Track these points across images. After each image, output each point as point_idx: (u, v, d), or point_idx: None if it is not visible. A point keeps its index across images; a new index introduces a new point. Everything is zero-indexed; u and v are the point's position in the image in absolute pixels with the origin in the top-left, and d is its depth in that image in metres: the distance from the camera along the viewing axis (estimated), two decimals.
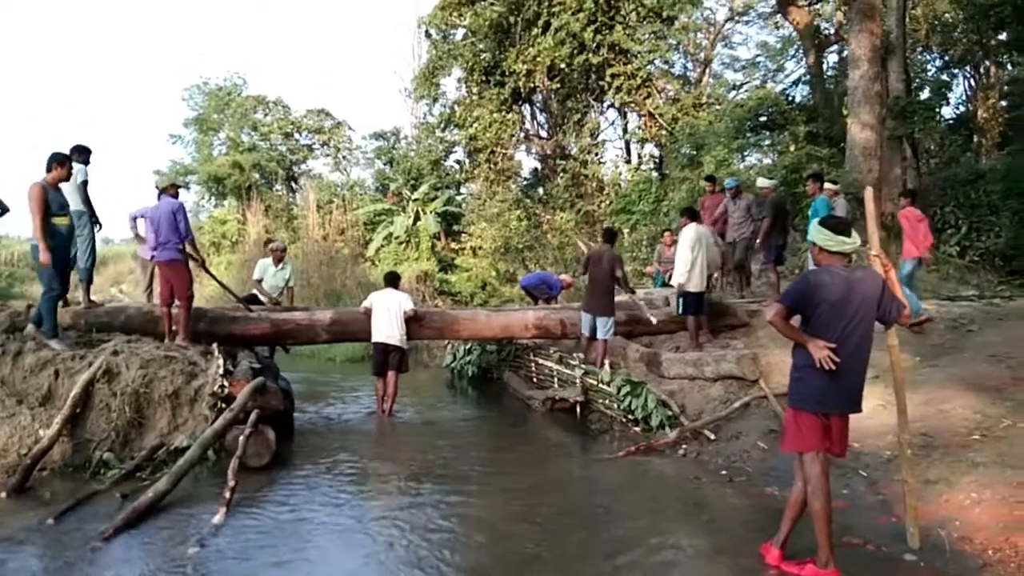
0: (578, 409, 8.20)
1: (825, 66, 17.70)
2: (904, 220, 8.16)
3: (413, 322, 8.54)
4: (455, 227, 20.49)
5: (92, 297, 8.07)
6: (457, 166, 22.41)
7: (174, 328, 7.40)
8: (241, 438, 5.62)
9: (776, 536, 3.97)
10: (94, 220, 7.66)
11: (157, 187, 8.52)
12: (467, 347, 11.60)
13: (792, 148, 13.63)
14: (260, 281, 9.44)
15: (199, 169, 26.83)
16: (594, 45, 16.23)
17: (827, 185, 9.17)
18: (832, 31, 17.27)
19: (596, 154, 18.42)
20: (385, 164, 25.29)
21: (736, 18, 20.92)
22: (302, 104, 33.77)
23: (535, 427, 8.23)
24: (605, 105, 19.04)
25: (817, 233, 3.86)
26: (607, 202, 17.01)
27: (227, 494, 4.91)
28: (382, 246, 20.25)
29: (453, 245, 20.13)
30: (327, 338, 8.97)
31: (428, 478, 5.90)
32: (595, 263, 8.50)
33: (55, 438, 5.67)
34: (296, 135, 28.31)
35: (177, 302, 7.30)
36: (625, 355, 8.68)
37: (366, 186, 25.47)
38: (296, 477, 5.90)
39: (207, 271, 8.66)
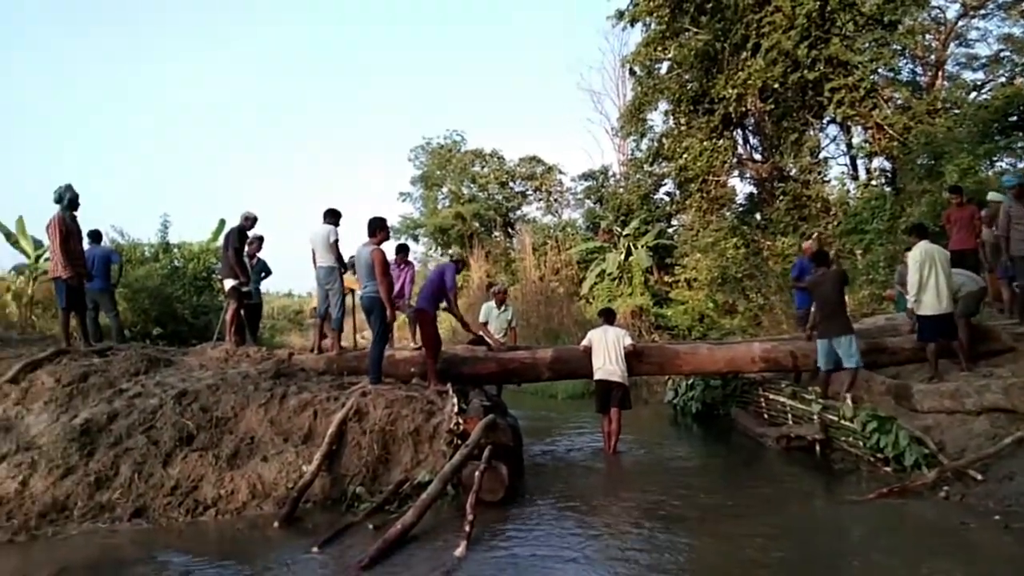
0: (817, 447, 7.66)
1: None
2: None
3: (632, 358, 8.48)
4: (668, 260, 20.21)
5: (342, 343, 8.91)
6: (667, 198, 22.20)
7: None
8: (477, 473, 5.84)
9: None
10: (342, 274, 8.52)
11: (451, 256, 9.31)
12: (689, 382, 11.28)
13: None
14: (486, 324, 9.87)
15: (426, 222, 28.96)
16: (809, 61, 15.37)
17: None
18: None
19: (819, 173, 17.35)
20: (595, 203, 25.68)
21: (970, 13, 18.87)
22: (515, 153, 35.28)
23: (769, 467, 7.76)
24: (825, 121, 17.93)
25: None
26: (834, 223, 15.88)
27: (467, 528, 5.11)
28: (595, 283, 20.44)
29: (667, 278, 19.85)
30: (549, 376, 9.16)
31: (659, 518, 5.76)
32: (818, 286, 8.01)
33: (316, 473, 6.26)
34: (511, 183, 29.64)
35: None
36: (869, 388, 7.98)
37: (577, 226, 25.96)
38: (528, 513, 6.02)
39: (463, 323, 9.10)
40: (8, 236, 16.07)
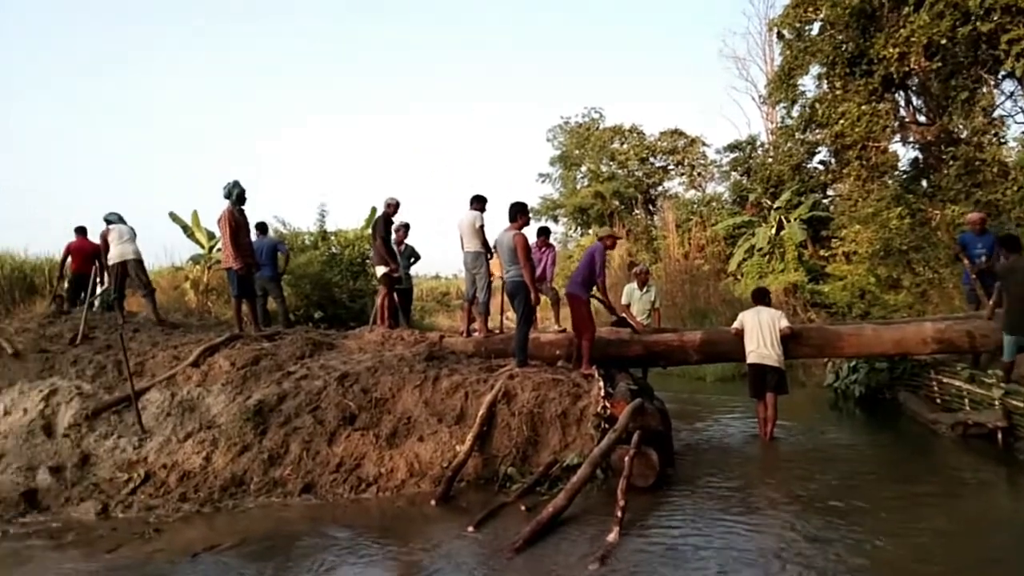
0: (999, 436, 7.02)
1: None
2: None
3: (789, 340, 8.10)
4: (823, 233, 19.10)
5: (489, 326, 9.10)
6: (822, 167, 20.94)
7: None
8: (627, 458, 5.78)
9: None
10: (489, 259, 8.67)
11: (596, 235, 9.17)
12: (851, 364, 10.63)
13: None
14: (628, 306, 9.72)
15: (565, 202, 28.94)
16: (982, 11, 13.91)
17: None
18: None
19: (994, 134, 15.75)
20: (742, 175, 24.65)
21: None
22: (656, 127, 34.44)
23: (943, 456, 7.20)
24: (1000, 77, 16.20)
25: None
26: (1013, 188, 14.39)
27: (619, 513, 5.08)
28: (744, 260, 19.69)
29: (823, 252, 18.79)
30: (698, 359, 8.94)
31: (820, 510, 5.49)
32: (1008, 275, 7.24)
33: (468, 453, 6.45)
34: (651, 159, 29.03)
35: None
36: None
37: (723, 200, 25.04)
38: (681, 500, 5.90)
39: (608, 307, 8.88)
40: (185, 229, 17.62)
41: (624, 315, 9.34)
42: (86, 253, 10.56)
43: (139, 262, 9.68)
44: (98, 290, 10.51)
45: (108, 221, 9.72)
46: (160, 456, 6.69)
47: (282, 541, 5.25)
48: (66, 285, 10.96)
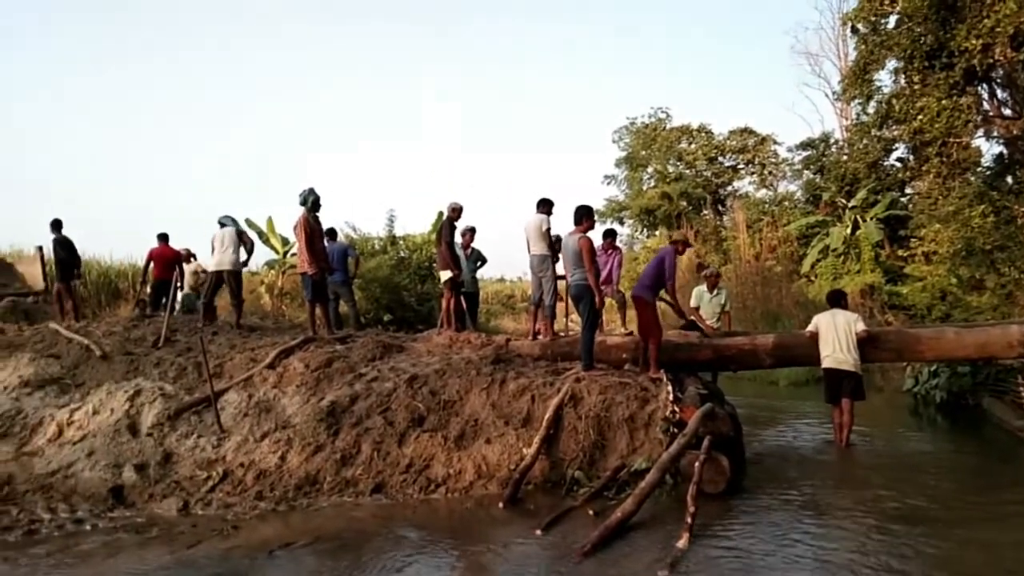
0: None
1: None
2: None
3: (866, 344, 7.84)
4: (901, 232, 18.45)
5: (554, 329, 9.10)
6: (899, 164, 20.22)
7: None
8: (697, 464, 5.69)
9: None
10: (555, 262, 8.68)
11: (671, 237, 9.00)
12: (932, 369, 10.23)
13: None
14: (697, 309, 9.58)
15: (631, 204, 28.68)
16: None
17: None
18: None
19: None
20: (815, 173, 24.00)
21: None
22: (724, 126, 33.73)
23: None
24: None
25: None
26: None
27: (688, 519, 5.00)
28: (818, 260, 19.22)
29: (901, 253, 18.14)
30: (770, 363, 8.72)
31: (897, 519, 5.29)
32: None
33: (536, 456, 6.45)
34: (720, 158, 28.54)
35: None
36: None
37: (796, 199, 24.45)
38: (753, 506, 5.79)
39: (678, 311, 8.68)
40: (260, 235, 18.21)
41: (693, 318, 9.20)
42: (167, 259, 11.05)
43: (235, 273, 10.00)
44: (178, 295, 10.97)
45: (220, 224, 10.12)
46: (238, 455, 6.92)
47: (354, 539, 5.35)
48: (148, 290, 11.47)
